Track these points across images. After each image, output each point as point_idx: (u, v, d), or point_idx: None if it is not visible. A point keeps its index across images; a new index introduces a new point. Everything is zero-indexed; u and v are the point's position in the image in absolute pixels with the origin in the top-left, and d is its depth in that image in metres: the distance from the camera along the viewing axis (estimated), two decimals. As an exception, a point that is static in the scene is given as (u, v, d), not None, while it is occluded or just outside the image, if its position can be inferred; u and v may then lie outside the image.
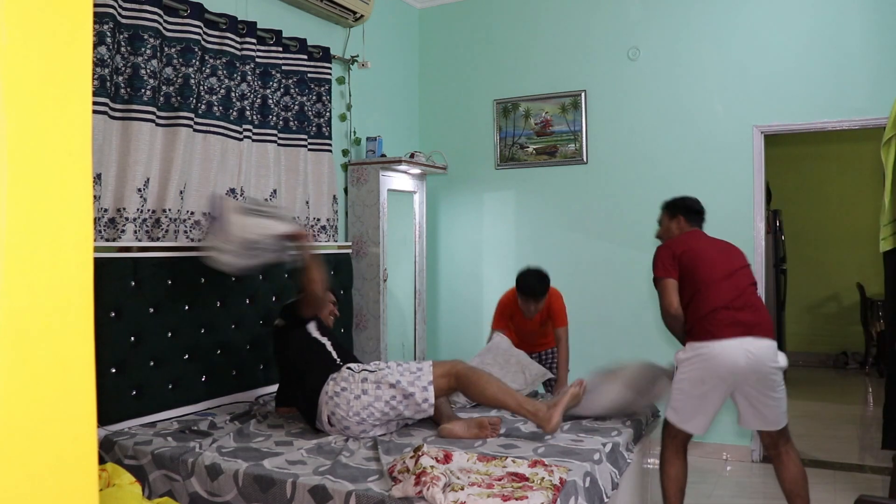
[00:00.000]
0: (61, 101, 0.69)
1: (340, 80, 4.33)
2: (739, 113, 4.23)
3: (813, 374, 6.85)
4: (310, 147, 3.95)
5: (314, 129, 3.98)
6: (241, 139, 3.49)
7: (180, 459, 2.41)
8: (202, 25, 3.25)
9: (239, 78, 3.47)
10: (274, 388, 3.45)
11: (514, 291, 3.86)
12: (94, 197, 2.86)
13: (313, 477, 2.19)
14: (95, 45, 2.79)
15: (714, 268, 2.83)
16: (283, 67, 3.78)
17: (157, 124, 3.10)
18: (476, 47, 5.02)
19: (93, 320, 0.73)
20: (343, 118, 4.35)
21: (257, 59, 3.60)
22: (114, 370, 2.82)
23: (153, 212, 3.10)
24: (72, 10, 0.70)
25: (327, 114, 4.04)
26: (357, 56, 4.40)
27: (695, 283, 2.82)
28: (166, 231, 3.12)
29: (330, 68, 4.05)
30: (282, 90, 3.79)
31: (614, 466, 2.50)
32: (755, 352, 2.67)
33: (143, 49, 2.98)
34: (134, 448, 2.55)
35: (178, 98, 3.18)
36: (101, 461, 2.45)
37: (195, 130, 3.25)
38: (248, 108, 3.52)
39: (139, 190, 3.00)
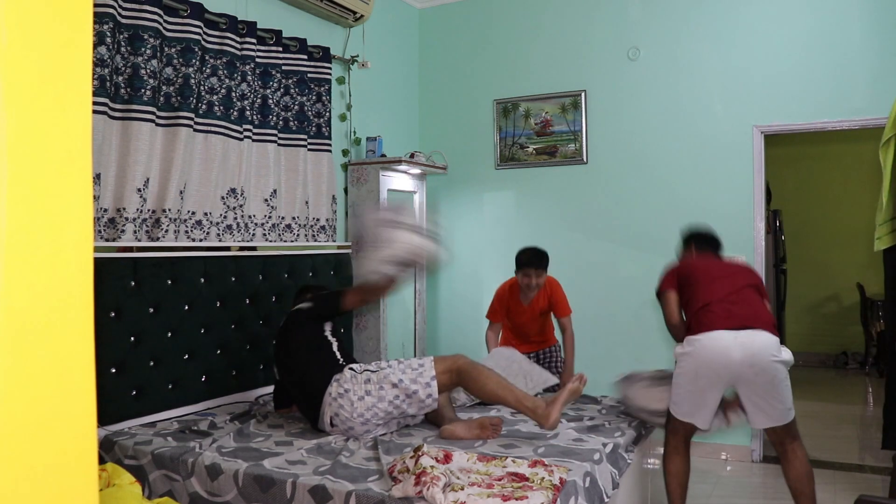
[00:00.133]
0: (61, 101, 0.69)
1: (340, 80, 4.33)
2: (739, 113, 4.23)
3: (813, 374, 6.85)
4: (310, 147, 3.95)
5: (314, 129, 3.98)
6: (241, 139, 3.49)
7: (180, 459, 2.41)
8: (202, 25, 3.25)
9: (239, 78, 3.47)
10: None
11: (511, 282, 3.87)
12: (94, 197, 2.86)
13: (313, 477, 2.19)
14: (95, 45, 2.79)
15: (710, 271, 2.90)
16: (283, 67, 3.78)
17: (157, 124, 3.10)
18: (476, 47, 5.02)
19: (93, 320, 0.73)
20: (343, 118, 4.35)
21: (257, 59, 3.60)
22: (114, 370, 2.83)
23: (153, 212, 3.10)
24: (72, 10, 0.70)
25: (327, 114, 4.04)
26: (357, 56, 4.40)
27: (691, 285, 2.87)
28: (166, 231, 3.12)
29: (330, 68, 4.05)
30: (282, 90, 3.79)
31: (614, 467, 2.50)
32: (750, 344, 2.64)
33: (143, 49, 2.98)
34: (134, 448, 2.55)
35: (178, 98, 3.18)
36: (101, 461, 2.45)
37: (195, 130, 3.26)
38: (248, 108, 3.52)
39: (139, 190, 3.00)
